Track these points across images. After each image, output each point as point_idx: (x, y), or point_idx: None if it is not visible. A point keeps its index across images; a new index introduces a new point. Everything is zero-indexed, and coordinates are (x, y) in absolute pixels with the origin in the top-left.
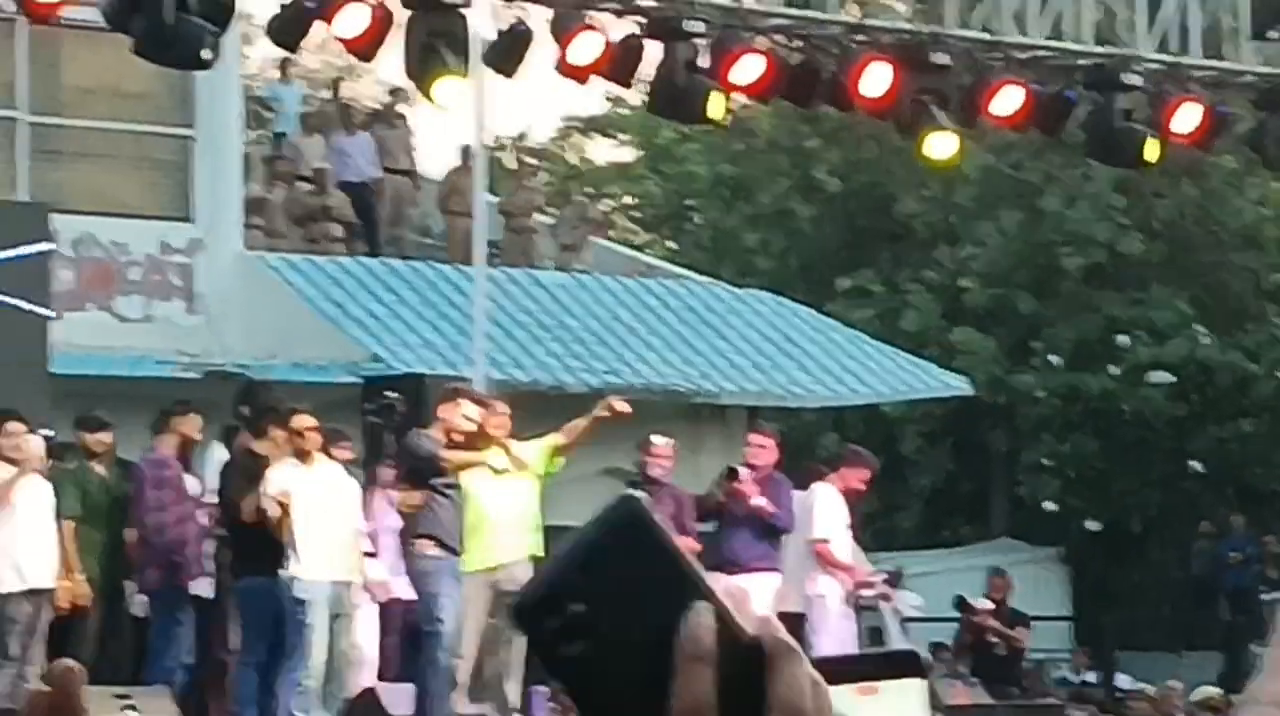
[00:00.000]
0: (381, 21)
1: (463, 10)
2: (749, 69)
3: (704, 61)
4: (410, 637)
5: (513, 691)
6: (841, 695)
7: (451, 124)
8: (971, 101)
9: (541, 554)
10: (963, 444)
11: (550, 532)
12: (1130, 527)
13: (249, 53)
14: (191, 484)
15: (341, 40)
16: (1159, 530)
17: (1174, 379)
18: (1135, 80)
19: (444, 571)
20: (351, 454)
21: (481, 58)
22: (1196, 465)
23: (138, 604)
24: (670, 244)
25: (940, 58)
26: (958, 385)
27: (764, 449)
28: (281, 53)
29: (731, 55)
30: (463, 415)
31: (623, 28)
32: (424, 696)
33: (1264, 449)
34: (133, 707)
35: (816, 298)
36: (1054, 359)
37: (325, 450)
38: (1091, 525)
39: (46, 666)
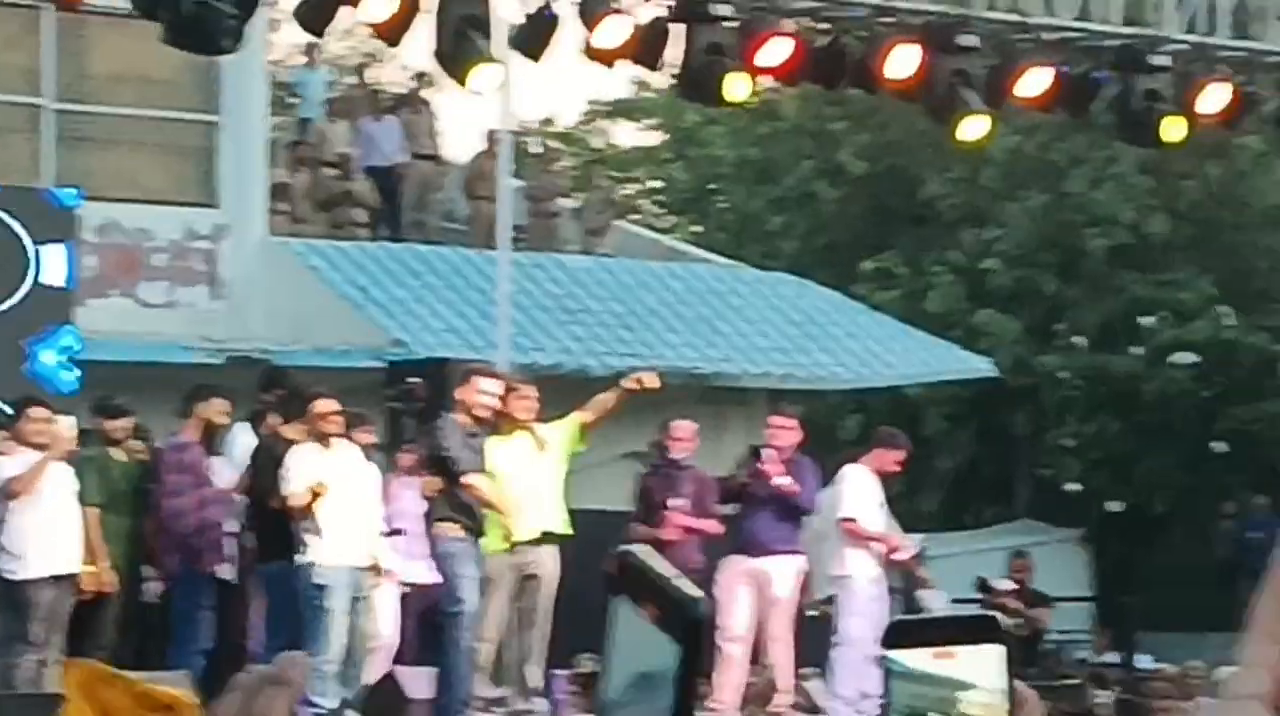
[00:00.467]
0: (408, 6)
1: None
2: (776, 51)
3: (730, 44)
4: (430, 621)
5: (534, 674)
6: (920, 658)
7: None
8: (998, 83)
9: (565, 533)
10: (986, 425)
11: (574, 515)
12: (1153, 509)
13: (274, 38)
14: (220, 467)
15: (368, 25)
16: (1182, 511)
17: (1198, 360)
18: (1163, 61)
19: (467, 554)
20: (373, 437)
21: (508, 42)
22: (1220, 446)
23: (150, 590)
24: (694, 227)
25: (967, 39)
26: (982, 367)
27: (786, 430)
28: (306, 38)
29: (758, 38)
30: (479, 391)
31: (649, 11)
32: (446, 679)
33: None
34: None
35: (841, 280)
36: (1078, 340)
37: (347, 434)
38: (1114, 506)
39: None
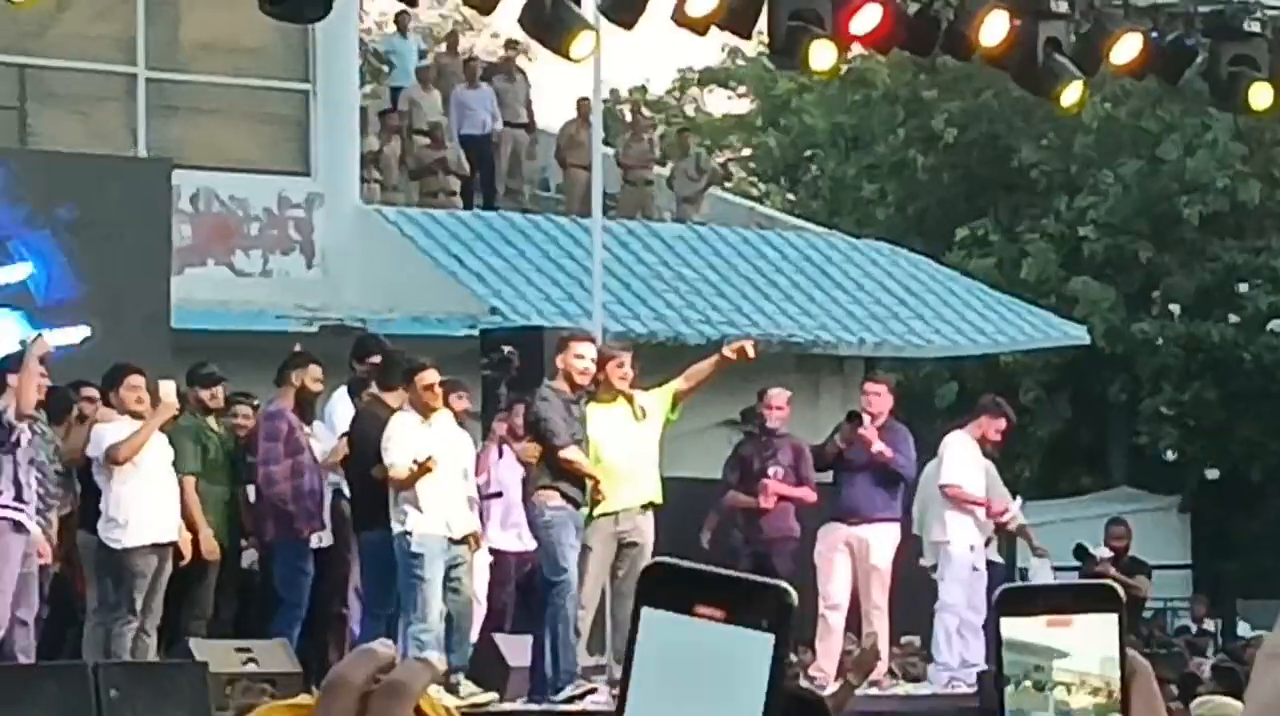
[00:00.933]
0: None
1: None
2: (867, 19)
3: (822, 11)
4: (527, 589)
5: None
6: (1033, 626)
7: (568, 77)
8: (1091, 49)
9: (660, 501)
10: (1082, 393)
11: (668, 483)
12: (1250, 476)
13: (367, 6)
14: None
15: None
16: (1278, 479)
17: None
18: (1255, 28)
19: (567, 522)
20: (467, 404)
21: (598, 8)
22: None
23: (246, 557)
24: (788, 195)
25: (1060, 6)
26: (1077, 334)
27: (879, 396)
28: (399, 6)
29: (850, 5)
30: (576, 356)
31: None
32: (550, 647)
33: None
34: (254, 661)
35: (934, 248)
36: (1173, 307)
37: (446, 402)
38: (1211, 474)
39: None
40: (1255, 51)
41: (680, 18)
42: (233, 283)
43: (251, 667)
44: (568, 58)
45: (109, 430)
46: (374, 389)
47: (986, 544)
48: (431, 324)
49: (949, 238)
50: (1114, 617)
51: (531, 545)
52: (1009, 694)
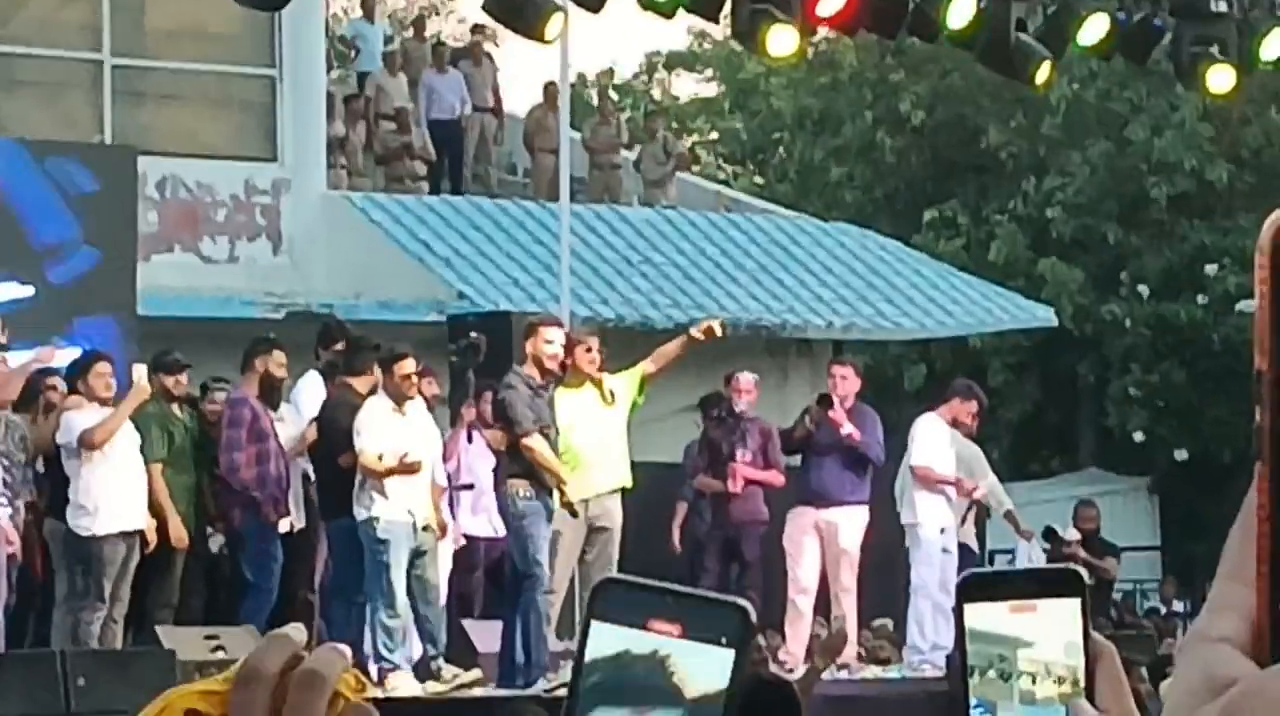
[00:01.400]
0: None
1: None
2: (834, 1)
3: None
4: (497, 574)
5: None
6: (997, 613)
7: (535, 61)
8: (1058, 30)
9: (630, 486)
10: (1050, 375)
11: (637, 468)
12: (1219, 457)
13: None
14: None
15: None
16: (1248, 460)
17: None
18: (1222, 7)
19: (539, 512)
20: (437, 390)
21: None
22: None
23: (214, 543)
24: (755, 178)
25: None
26: (1045, 316)
27: (845, 379)
28: None
29: None
30: (545, 342)
31: None
32: (523, 640)
33: None
34: (221, 648)
35: (902, 230)
36: (1142, 289)
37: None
38: (1180, 455)
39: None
40: (1222, 32)
41: (646, 1)
42: (200, 269)
43: (220, 655)
44: (540, 40)
45: (79, 417)
46: (345, 375)
47: (962, 523)
48: (399, 309)
49: (917, 220)
50: (1077, 602)
51: (502, 531)
52: (973, 684)
